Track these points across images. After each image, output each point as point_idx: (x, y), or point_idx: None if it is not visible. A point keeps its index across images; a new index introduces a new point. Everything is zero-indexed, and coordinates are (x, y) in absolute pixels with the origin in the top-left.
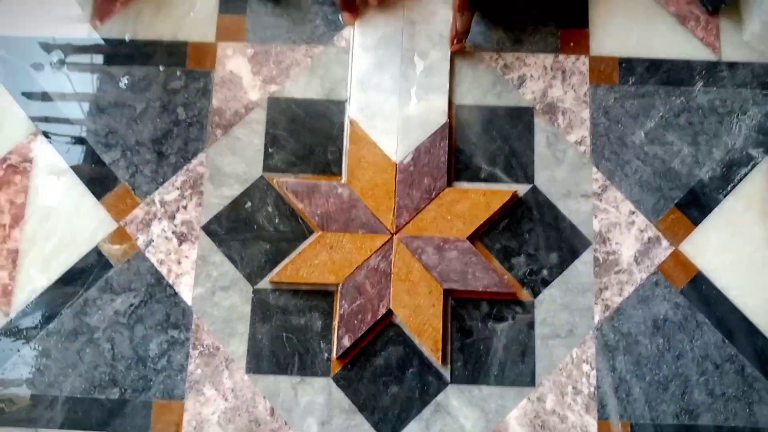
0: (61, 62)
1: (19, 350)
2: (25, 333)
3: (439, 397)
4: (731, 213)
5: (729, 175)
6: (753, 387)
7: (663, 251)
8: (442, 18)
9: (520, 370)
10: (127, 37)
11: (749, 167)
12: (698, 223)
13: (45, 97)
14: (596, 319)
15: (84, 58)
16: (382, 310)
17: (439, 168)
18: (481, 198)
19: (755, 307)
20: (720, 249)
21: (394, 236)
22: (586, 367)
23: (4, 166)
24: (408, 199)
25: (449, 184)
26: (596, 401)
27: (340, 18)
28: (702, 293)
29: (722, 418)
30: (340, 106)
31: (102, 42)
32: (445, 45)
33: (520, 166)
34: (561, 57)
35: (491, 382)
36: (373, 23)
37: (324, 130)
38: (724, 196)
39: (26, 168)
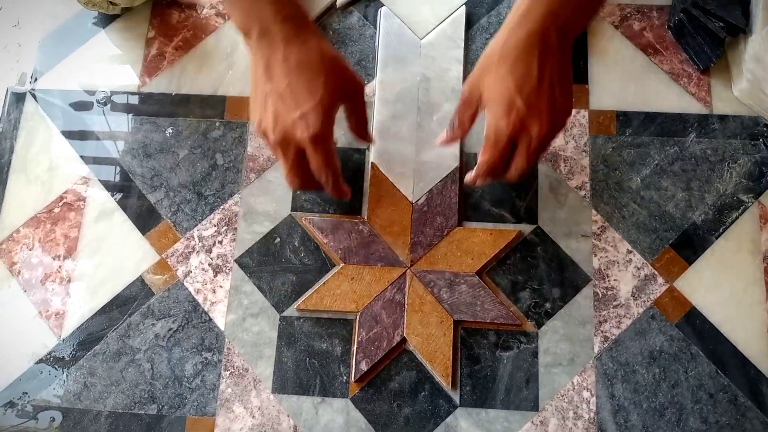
0: (114, 114)
1: (69, 368)
2: (74, 353)
3: (449, 419)
4: (723, 253)
5: (721, 218)
6: (745, 416)
7: (658, 287)
8: (454, 74)
9: (524, 396)
10: (172, 92)
11: (740, 211)
12: (692, 262)
13: (98, 143)
14: (596, 349)
15: (134, 110)
16: (397, 338)
17: (450, 208)
18: (489, 237)
19: (747, 341)
20: (713, 286)
21: (409, 270)
22: (586, 394)
23: (60, 204)
24: (422, 236)
25: (460, 223)
26: (596, 426)
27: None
28: (696, 327)
29: None
30: (361, 153)
31: (150, 96)
32: (456, 99)
33: (524, 208)
34: None
35: (497, 405)
36: (393, 80)
37: (347, 174)
38: (716, 237)
39: (80, 206)
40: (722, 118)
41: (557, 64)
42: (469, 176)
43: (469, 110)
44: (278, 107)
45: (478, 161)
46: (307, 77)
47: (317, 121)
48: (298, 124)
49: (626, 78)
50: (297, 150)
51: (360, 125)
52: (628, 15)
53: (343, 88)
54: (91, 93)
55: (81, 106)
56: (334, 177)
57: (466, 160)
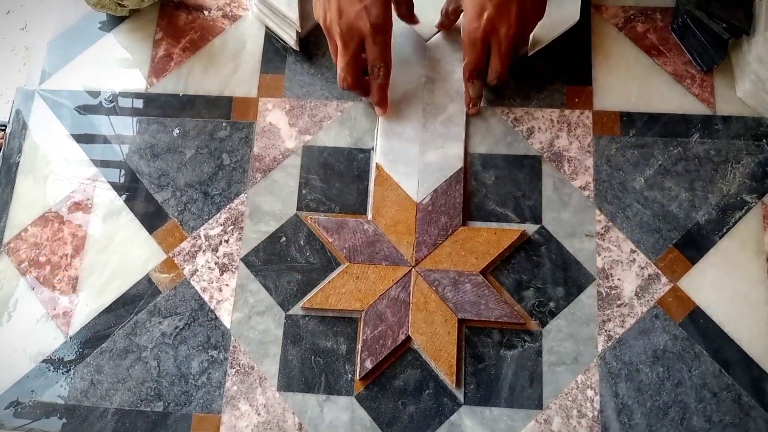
0: (122, 114)
1: (76, 366)
2: (81, 351)
3: (453, 417)
4: (727, 252)
5: (724, 218)
6: (749, 414)
7: (662, 287)
8: (459, 76)
9: (528, 394)
10: (179, 93)
11: (743, 211)
12: (695, 261)
13: (106, 143)
14: (599, 348)
15: (141, 111)
16: (402, 337)
17: (455, 208)
18: (493, 236)
19: (750, 340)
20: (716, 286)
21: (414, 269)
22: (590, 393)
23: (68, 203)
24: (426, 236)
25: (464, 223)
26: (600, 424)
27: (375, 111)
28: (699, 326)
29: None
30: (366, 153)
31: (158, 97)
32: (460, 100)
33: (528, 208)
34: (567, 111)
35: (501, 404)
36: (398, 81)
37: (352, 174)
38: (720, 237)
39: (88, 205)
40: (725, 119)
41: None
42: (465, 99)
43: (454, 4)
44: (342, 1)
45: (462, 67)
46: None
47: (379, 11)
48: (361, 14)
49: (630, 79)
50: (359, 42)
51: (409, 10)
52: (632, 17)
53: None
54: (99, 94)
55: (89, 106)
56: (386, 72)
57: (470, 161)
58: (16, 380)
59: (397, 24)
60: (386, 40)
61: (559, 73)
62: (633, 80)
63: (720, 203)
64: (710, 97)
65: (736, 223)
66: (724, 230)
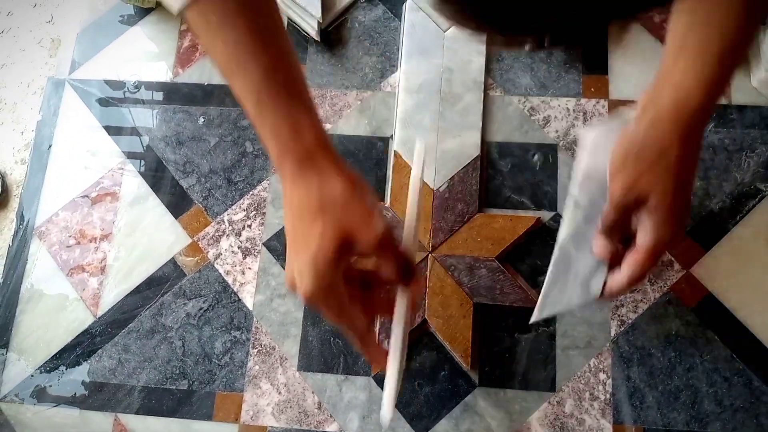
0: (149, 103)
1: (104, 345)
2: (109, 331)
3: (468, 398)
4: (740, 240)
5: (738, 207)
6: (760, 399)
7: (675, 273)
8: (476, 66)
9: (541, 377)
10: (204, 82)
11: (757, 199)
12: (709, 249)
13: (134, 131)
14: (612, 332)
15: (168, 100)
16: (418, 320)
17: (471, 195)
18: (509, 223)
19: (762, 326)
20: (729, 273)
21: (430, 254)
22: (602, 376)
23: (98, 188)
24: (443, 222)
25: (480, 210)
26: (611, 407)
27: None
28: (712, 312)
29: (730, 427)
30: (385, 141)
31: (183, 86)
32: (477, 89)
33: (544, 195)
34: (583, 100)
35: (515, 386)
36: (416, 71)
37: (371, 162)
38: (734, 225)
39: (116, 191)
40: (740, 108)
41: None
42: (610, 287)
43: (624, 216)
44: (288, 253)
45: (623, 274)
46: (306, 224)
47: (309, 279)
48: (297, 277)
49: (645, 68)
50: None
51: (396, 273)
52: None
53: (346, 238)
54: (126, 83)
55: (117, 95)
56: (356, 335)
57: (487, 149)
58: (46, 359)
59: (417, 14)
60: (330, 304)
61: (575, 62)
62: (649, 69)
63: (734, 192)
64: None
65: (749, 211)
66: (738, 218)
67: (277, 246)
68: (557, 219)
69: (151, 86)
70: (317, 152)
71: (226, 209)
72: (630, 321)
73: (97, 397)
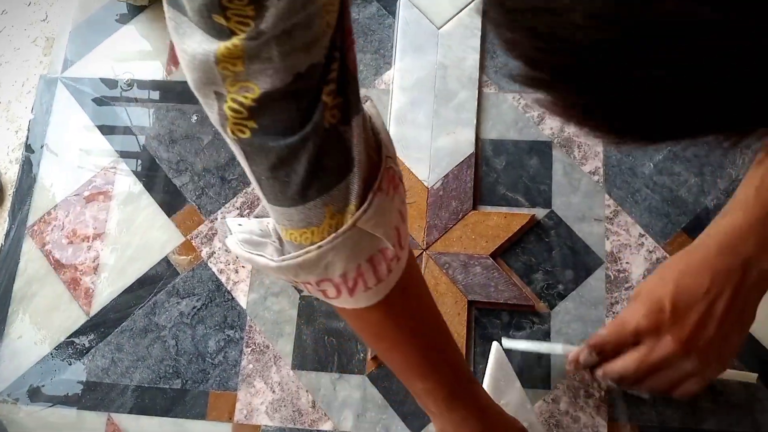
0: (142, 101)
1: (97, 344)
2: (102, 330)
3: None
4: None
5: None
6: (756, 397)
7: None
8: (470, 63)
9: (536, 374)
10: None
11: None
12: None
13: (126, 130)
14: None
15: (161, 98)
16: None
17: (465, 193)
18: (503, 220)
19: (758, 323)
20: None
21: (425, 252)
22: (597, 373)
23: (90, 187)
24: (437, 219)
25: (474, 207)
26: (607, 404)
27: None
28: None
29: (726, 424)
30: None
31: (176, 84)
32: (472, 86)
33: (538, 192)
34: None
35: None
36: (411, 68)
37: None
38: None
39: (109, 189)
40: None
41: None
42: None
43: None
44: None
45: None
46: None
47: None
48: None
49: None
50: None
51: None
52: None
53: None
54: (119, 81)
55: (110, 93)
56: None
57: (482, 146)
58: (39, 359)
59: (411, 11)
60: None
61: None
62: None
63: (729, 188)
64: None
65: None
66: None
67: None
68: (552, 216)
69: (144, 84)
70: (456, 397)
71: (220, 207)
72: None
73: (90, 396)
